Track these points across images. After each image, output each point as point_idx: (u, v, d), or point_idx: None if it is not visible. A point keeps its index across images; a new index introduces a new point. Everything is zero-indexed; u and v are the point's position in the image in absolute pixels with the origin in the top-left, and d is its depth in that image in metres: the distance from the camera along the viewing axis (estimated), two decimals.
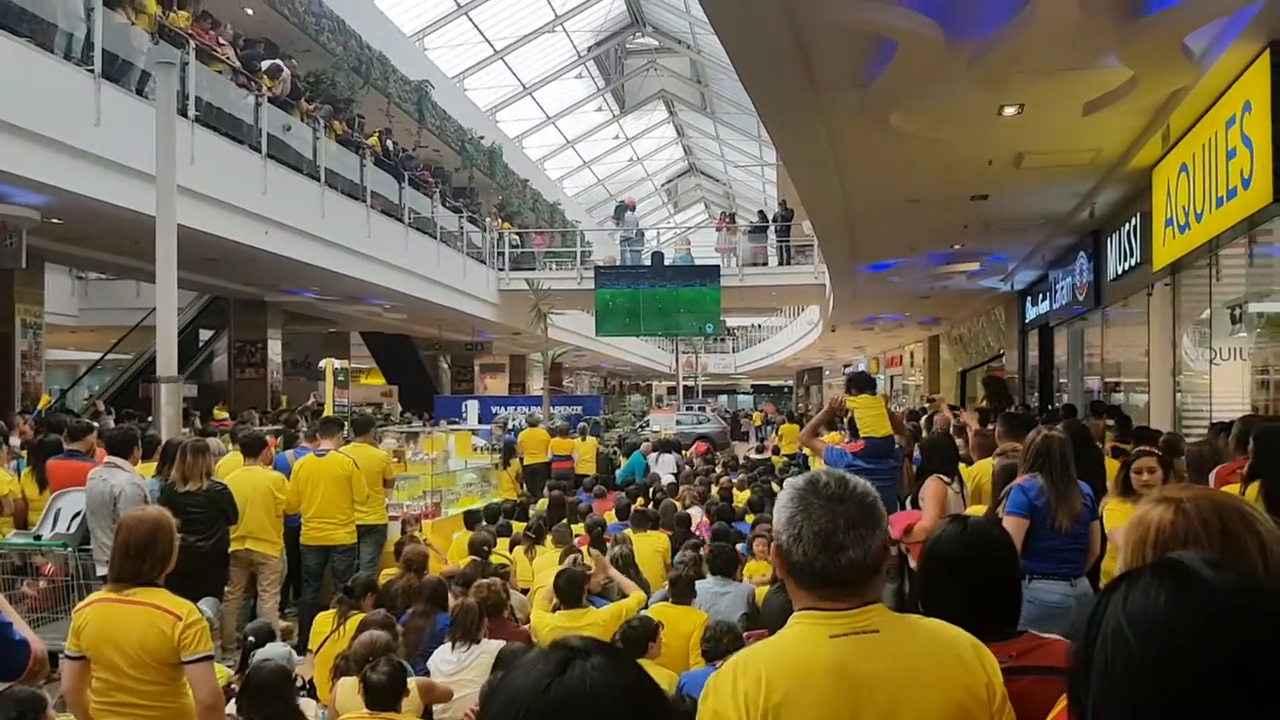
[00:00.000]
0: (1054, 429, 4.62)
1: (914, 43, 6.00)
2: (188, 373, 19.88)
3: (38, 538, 6.06)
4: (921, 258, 13.59)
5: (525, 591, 7.16)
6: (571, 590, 5.60)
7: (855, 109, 7.28)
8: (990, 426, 7.83)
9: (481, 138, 24.72)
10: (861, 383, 6.90)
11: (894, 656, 1.77)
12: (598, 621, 5.47)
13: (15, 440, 9.18)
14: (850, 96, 7.03)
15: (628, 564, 6.81)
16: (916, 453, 7.24)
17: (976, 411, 10.62)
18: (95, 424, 9.15)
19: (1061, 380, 15.52)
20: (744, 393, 67.32)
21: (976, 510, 5.03)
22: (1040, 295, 15.28)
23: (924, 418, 11.95)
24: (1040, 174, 9.11)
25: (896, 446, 6.54)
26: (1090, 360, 13.63)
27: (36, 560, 5.83)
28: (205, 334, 21.72)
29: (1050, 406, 13.95)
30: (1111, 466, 5.67)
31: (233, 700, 4.20)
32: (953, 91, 6.86)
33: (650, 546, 7.77)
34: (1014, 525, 4.23)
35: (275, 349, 19.90)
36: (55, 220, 10.88)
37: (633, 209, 25.05)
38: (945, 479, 5.72)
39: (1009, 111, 7.29)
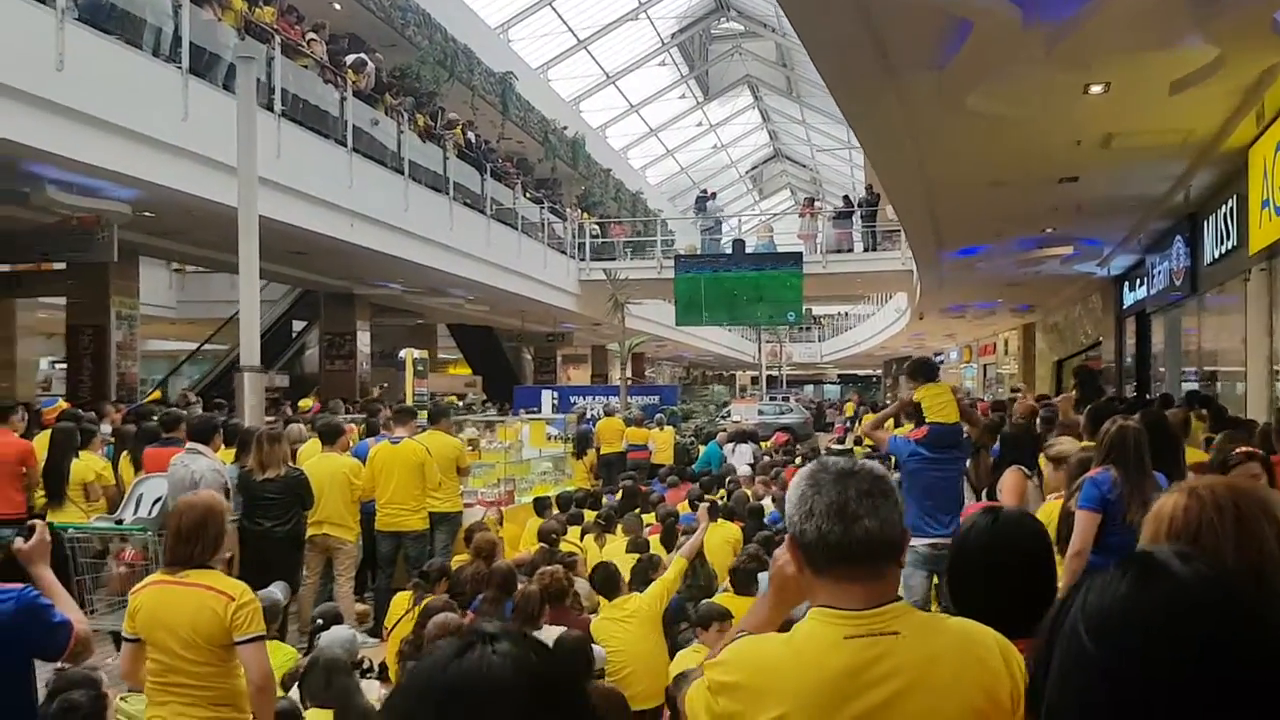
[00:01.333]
0: (1130, 419, 4.42)
1: (990, 23, 5.80)
2: (280, 364, 20.49)
3: (119, 522, 6.28)
4: (1010, 243, 13.18)
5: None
6: (608, 584, 5.63)
7: (932, 91, 7.06)
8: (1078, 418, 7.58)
9: (564, 128, 24.85)
10: (923, 370, 6.60)
11: (912, 660, 1.68)
12: (642, 605, 5.45)
13: (106, 428, 9.53)
14: (926, 78, 6.81)
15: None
16: (996, 444, 7.06)
17: (1068, 400, 10.28)
18: (186, 413, 9.47)
19: (1160, 369, 14.94)
20: (830, 382, 66.57)
21: (1053, 505, 4.83)
22: (1137, 281, 14.70)
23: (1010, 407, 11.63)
24: (1131, 155, 8.73)
25: (965, 436, 6.33)
26: (1188, 349, 13.08)
27: (114, 545, 6.04)
28: (298, 326, 22.31)
29: (1146, 397, 13.44)
30: (1195, 457, 5.39)
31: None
32: (1034, 72, 6.61)
33: (720, 537, 7.70)
34: (1086, 519, 4.06)
35: (364, 340, 20.31)
36: (147, 214, 11.24)
37: (713, 198, 24.92)
38: (1026, 471, 5.53)
39: (1095, 90, 6.99)
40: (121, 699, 4.22)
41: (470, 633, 1.12)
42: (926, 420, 6.06)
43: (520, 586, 5.84)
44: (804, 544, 1.77)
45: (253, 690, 3.37)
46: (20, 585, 2.77)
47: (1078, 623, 0.97)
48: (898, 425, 7.25)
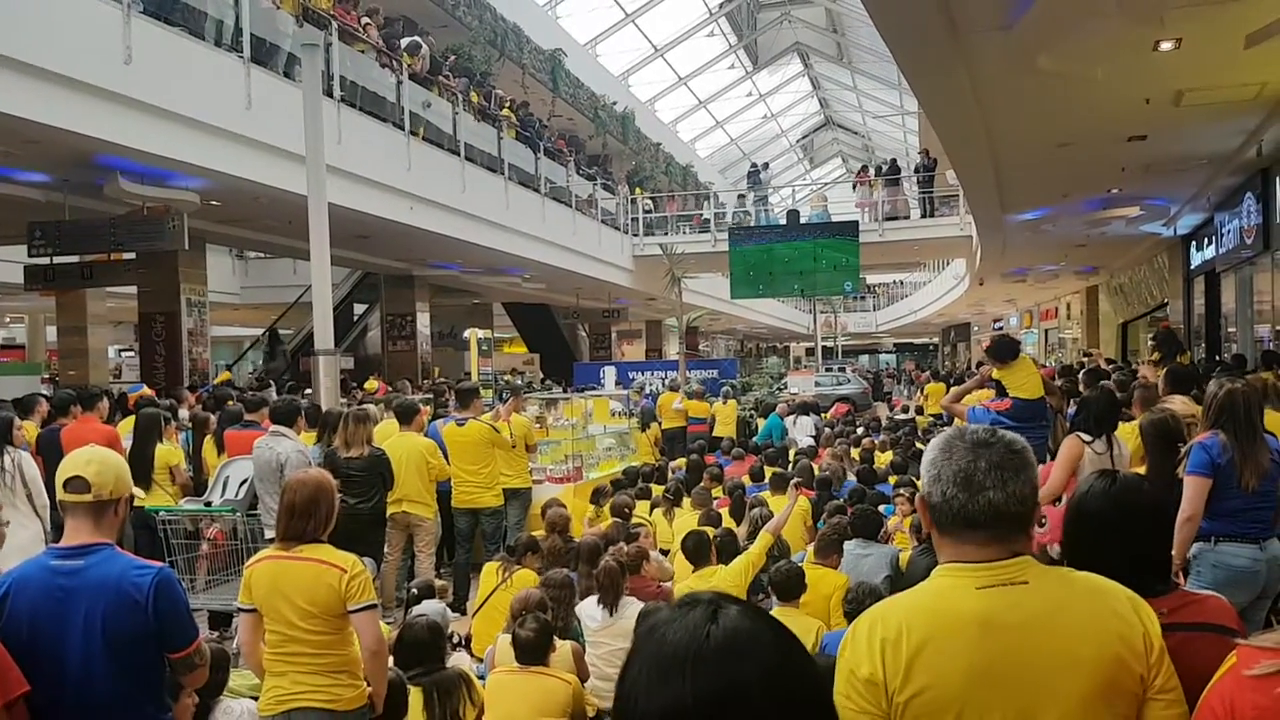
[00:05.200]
0: (1236, 382, 4.34)
1: None
2: (344, 346, 20.78)
3: (208, 504, 6.46)
4: (1076, 204, 12.99)
5: (666, 553, 7.23)
6: (699, 550, 5.68)
7: (1000, 52, 6.98)
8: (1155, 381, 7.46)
9: (614, 103, 24.79)
10: (1003, 350, 6.56)
11: (1044, 608, 1.73)
12: (727, 578, 5.49)
13: (184, 413, 9.75)
14: (994, 39, 6.74)
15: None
16: (1071, 409, 6.97)
17: (1151, 364, 10.11)
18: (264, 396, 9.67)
19: (1230, 330, 14.63)
20: (886, 352, 65.96)
21: (1141, 470, 4.77)
22: (1206, 240, 14.41)
23: (1081, 373, 11.48)
24: (1202, 111, 8.57)
25: (1048, 407, 6.28)
26: (1260, 308, 12.79)
27: (204, 525, 6.22)
28: (359, 309, 22.62)
29: (1217, 358, 13.17)
30: (1275, 419, 5.28)
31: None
32: (1105, 29, 6.52)
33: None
34: (1195, 485, 4.02)
35: (424, 321, 20.55)
36: (214, 203, 11.45)
37: (765, 169, 24.68)
38: (1085, 437, 5.39)
39: (1166, 46, 6.86)
40: None
41: (696, 602, 1.22)
42: (1010, 395, 6.01)
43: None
44: (930, 505, 1.83)
45: (367, 655, 3.51)
46: (159, 563, 2.91)
47: None
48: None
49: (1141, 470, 4.70)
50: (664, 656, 1.16)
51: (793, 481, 7.30)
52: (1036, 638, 1.70)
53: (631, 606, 5.08)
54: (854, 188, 23.59)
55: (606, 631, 5.04)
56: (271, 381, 15.08)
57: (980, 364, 17.04)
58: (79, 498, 2.81)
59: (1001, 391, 6.20)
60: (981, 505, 1.75)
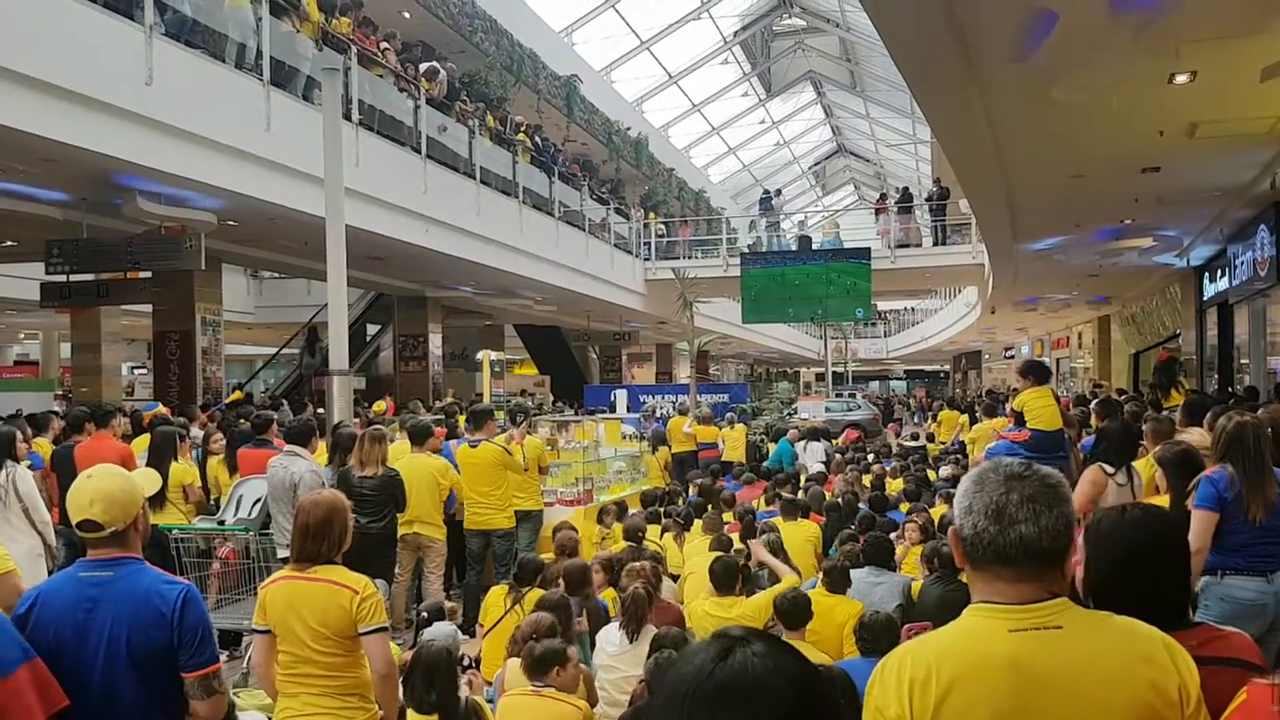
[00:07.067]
0: (1245, 414, 4.32)
1: (1077, 13, 5.74)
2: (356, 366, 20.85)
3: (221, 523, 6.48)
4: (1089, 234, 12.98)
5: (675, 578, 7.20)
6: (727, 576, 5.61)
7: (1014, 83, 7.01)
8: (1164, 412, 7.46)
9: (628, 129, 24.95)
10: (1035, 371, 6.61)
11: (1077, 655, 1.69)
12: (748, 612, 5.46)
13: (196, 431, 9.79)
14: (1009, 71, 6.77)
15: (775, 552, 6.75)
16: (1085, 439, 6.97)
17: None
18: (275, 414, 9.72)
19: (1243, 361, 14.58)
20: (897, 378, 65.87)
21: (1160, 503, 4.74)
22: (1219, 271, 14.38)
23: (1093, 403, 11.46)
24: (1216, 144, 8.56)
25: (1066, 438, 6.29)
26: (1274, 340, 12.75)
27: (216, 544, 6.24)
28: (372, 329, 22.72)
29: (1230, 389, 13.12)
30: None
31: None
32: (1119, 61, 6.54)
33: (801, 535, 7.68)
34: (1202, 519, 3.99)
35: (436, 342, 20.63)
36: (231, 223, 11.54)
37: (778, 194, 24.80)
38: (1108, 469, 5.40)
39: (1181, 79, 6.88)
40: (235, 694, 4.38)
41: (722, 637, 1.20)
42: (1029, 426, 6.02)
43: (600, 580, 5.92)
44: (961, 538, 1.81)
45: (377, 678, 3.52)
46: (186, 580, 2.93)
47: None
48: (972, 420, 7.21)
49: (1157, 501, 4.68)
50: (671, 686, 1.17)
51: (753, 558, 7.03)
52: (1067, 685, 1.67)
53: (648, 632, 5.06)
54: (876, 216, 23.63)
55: (622, 658, 5.02)
56: (284, 401, 15.12)
57: (991, 390, 17.01)
58: (97, 535, 2.87)
59: (1020, 422, 6.22)
60: (1012, 539, 1.72)
